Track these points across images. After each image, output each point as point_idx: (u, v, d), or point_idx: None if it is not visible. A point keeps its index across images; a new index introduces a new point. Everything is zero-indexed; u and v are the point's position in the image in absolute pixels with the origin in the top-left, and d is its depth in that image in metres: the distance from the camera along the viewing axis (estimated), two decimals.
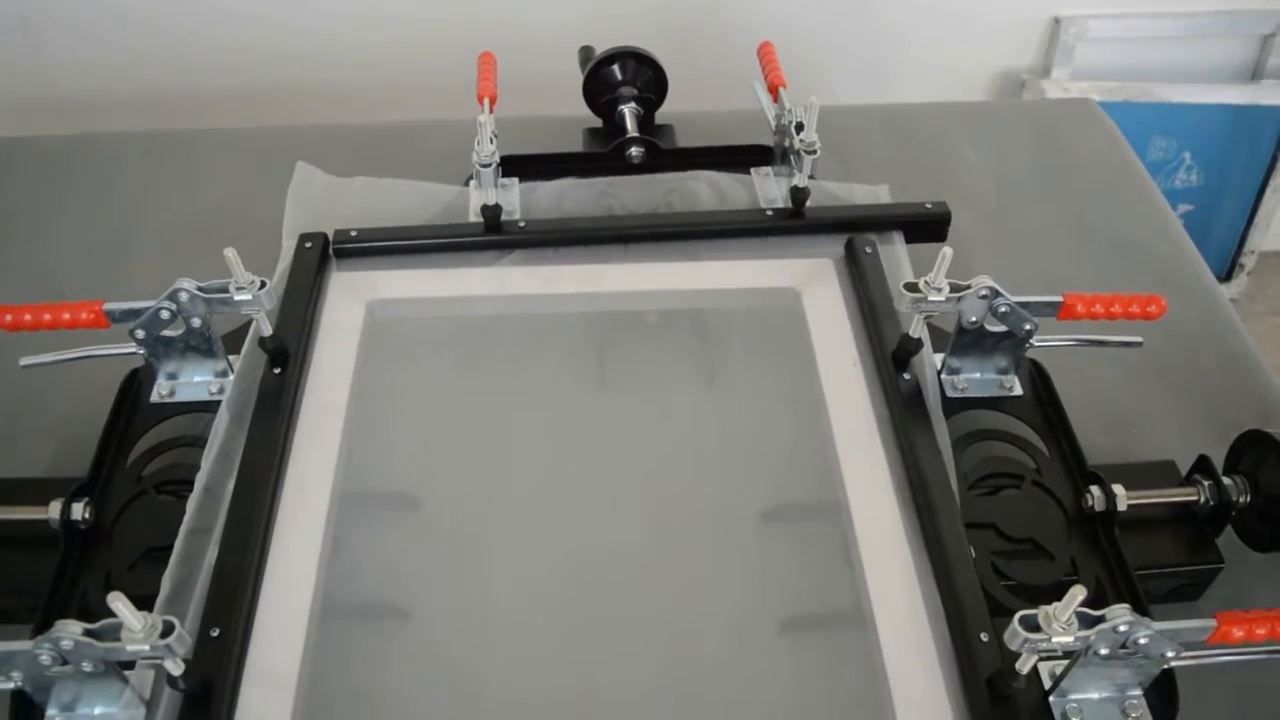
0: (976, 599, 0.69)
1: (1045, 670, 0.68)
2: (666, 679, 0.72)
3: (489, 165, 0.89)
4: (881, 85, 1.80)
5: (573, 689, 0.71)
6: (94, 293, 0.82)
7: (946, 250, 0.77)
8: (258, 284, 0.77)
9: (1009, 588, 0.73)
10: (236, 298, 0.77)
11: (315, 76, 1.68)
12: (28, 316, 0.79)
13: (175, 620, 0.59)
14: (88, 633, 0.60)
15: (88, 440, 0.81)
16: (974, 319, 0.81)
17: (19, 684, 0.63)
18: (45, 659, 0.61)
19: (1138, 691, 0.68)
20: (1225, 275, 2.06)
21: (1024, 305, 0.80)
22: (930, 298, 0.78)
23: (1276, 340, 2.06)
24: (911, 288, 0.78)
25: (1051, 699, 0.67)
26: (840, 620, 0.74)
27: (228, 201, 1.09)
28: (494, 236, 0.93)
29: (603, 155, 1.05)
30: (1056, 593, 0.61)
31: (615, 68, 1.10)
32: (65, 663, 0.61)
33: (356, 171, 1.04)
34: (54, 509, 0.74)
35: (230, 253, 0.75)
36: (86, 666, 0.61)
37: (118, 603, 0.57)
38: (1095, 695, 0.67)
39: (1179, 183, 1.93)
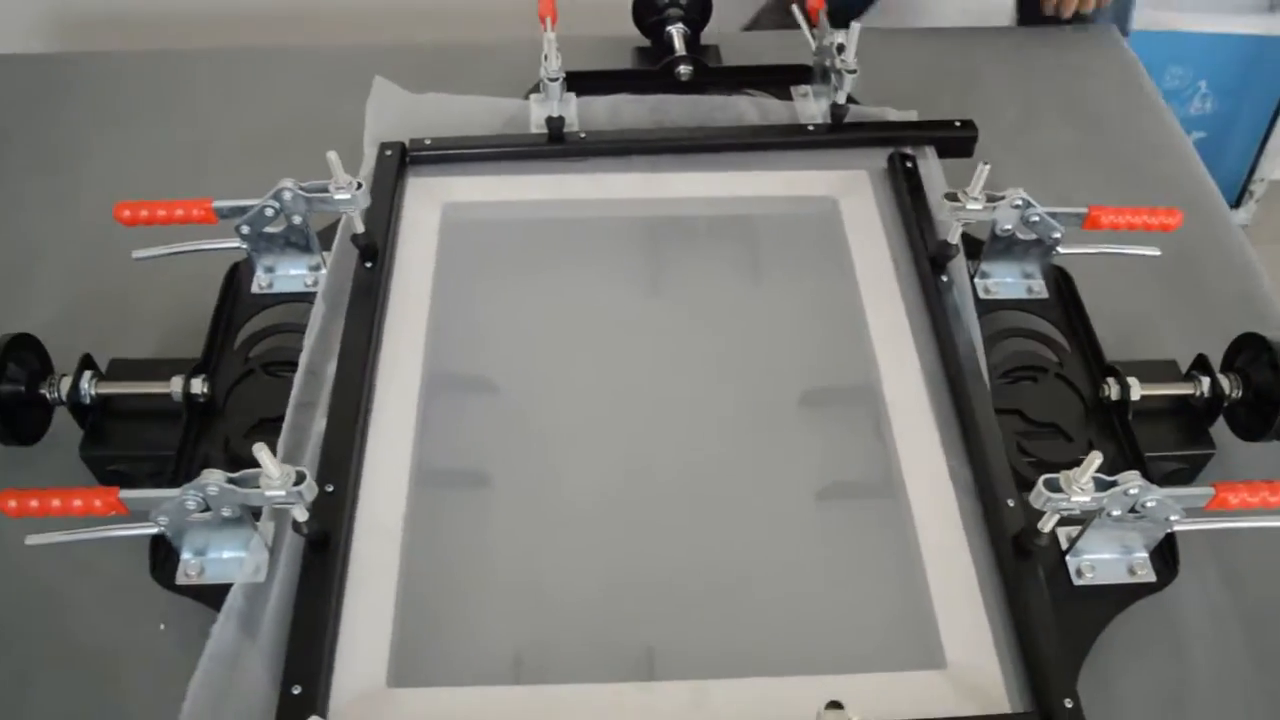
0: (1004, 470, 0.78)
1: (1063, 535, 0.77)
2: (719, 541, 0.81)
3: (556, 79, 0.96)
4: (908, 12, 1.85)
5: (631, 549, 0.80)
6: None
7: (984, 165, 0.84)
8: (355, 184, 0.85)
9: (1031, 464, 0.82)
10: (336, 197, 0.84)
11: None
12: (144, 212, 0.87)
13: (306, 471, 0.68)
14: (230, 480, 0.68)
15: (187, 327, 0.90)
16: (1007, 227, 0.88)
17: (163, 528, 0.72)
18: (191, 504, 0.69)
19: (1143, 553, 0.76)
20: (1235, 202, 2.12)
21: (1053, 215, 0.88)
22: (969, 206, 0.85)
23: None
24: (951, 197, 0.86)
25: (1068, 558, 0.76)
26: (873, 490, 0.83)
27: (299, 116, 1.16)
28: (557, 146, 1.01)
29: (653, 73, 1.12)
30: None
31: None
32: (207, 509, 0.70)
33: (420, 86, 1.10)
34: (175, 384, 0.82)
35: (332, 155, 0.83)
36: (225, 512, 0.70)
37: (262, 453, 0.66)
38: (1106, 555, 0.76)
39: (1193, 110, 1.99)
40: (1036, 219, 0.88)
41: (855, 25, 0.97)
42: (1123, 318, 0.98)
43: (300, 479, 0.68)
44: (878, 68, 1.08)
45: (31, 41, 1.73)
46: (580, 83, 1.09)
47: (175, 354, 0.88)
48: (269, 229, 0.88)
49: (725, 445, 0.86)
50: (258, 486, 0.68)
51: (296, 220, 0.87)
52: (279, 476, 0.67)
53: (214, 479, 0.68)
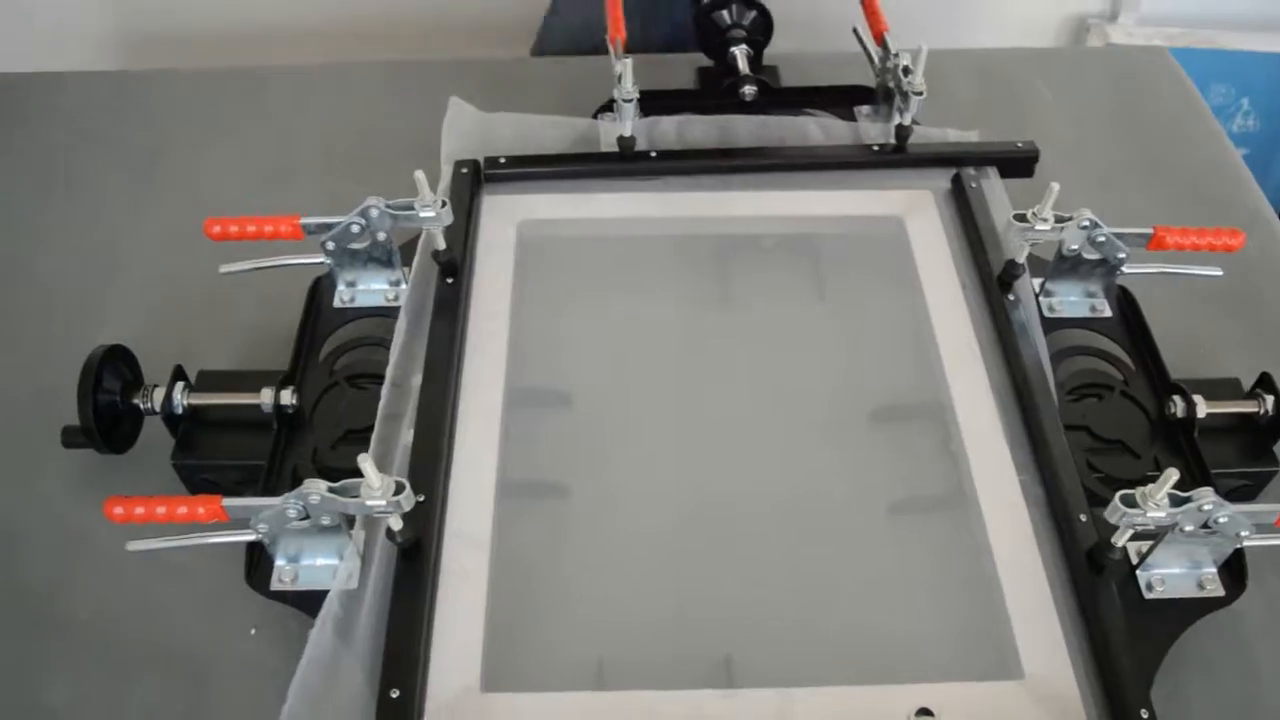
0: (1076, 485, 0.79)
1: (1132, 550, 0.78)
2: (795, 552, 0.83)
3: (630, 100, 0.99)
4: (954, 28, 1.87)
5: (708, 560, 0.82)
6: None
7: (1054, 185, 0.86)
8: (440, 202, 0.87)
9: (1099, 480, 0.84)
10: (422, 214, 0.87)
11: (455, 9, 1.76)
12: (234, 228, 0.89)
13: (405, 481, 0.70)
14: (331, 490, 0.71)
15: (264, 339, 0.94)
16: (1074, 247, 0.90)
17: (261, 535, 0.74)
18: (292, 513, 0.72)
19: (1212, 568, 0.78)
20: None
21: (1119, 236, 0.90)
22: (1037, 227, 0.87)
23: None
24: (1020, 218, 0.88)
25: (1138, 572, 0.78)
26: (945, 504, 0.85)
27: (371, 129, 1.19)
28: (629, 165, 1.03)
29: (718, 93, 1.14)
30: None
31: (725, 12, 1.19)
32: (306, 517, 0.72)
33: (485, 99, 1.13)
34: (266, 395, 0.84)
35: (419, 174, 0.85)
36: (324, 520, 0.73)
37: (366, 464, 0.68)
38: (1176, 570, 0.78)
39: (1235, 128, 2.00)
40: (1103, 239, 0.90)
41: (923, 48, 0.99)
42: (1181, 335, 1.00)
43: (400, 489, 0.70)
44: (934, 86, 1.10)
45: (99, 60, 1.77)
46: (647, 102, 1.11)
47: (253, 365, 0.91)
48: (353, 245, 0.90)
49: (798, 458, 0.89)
50: (358, 496, 0.70)
51: (381, 236, 0.90)
52: (380, 487, 0.69)
53: (316, 488, 0.70)
